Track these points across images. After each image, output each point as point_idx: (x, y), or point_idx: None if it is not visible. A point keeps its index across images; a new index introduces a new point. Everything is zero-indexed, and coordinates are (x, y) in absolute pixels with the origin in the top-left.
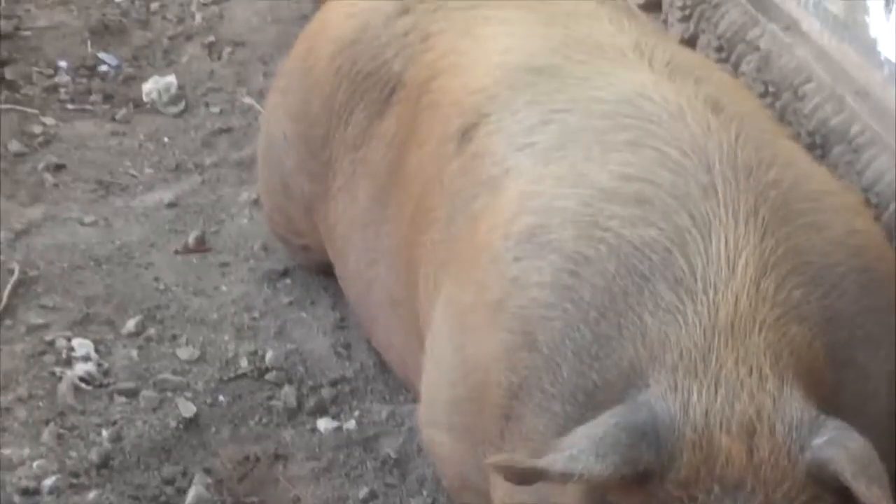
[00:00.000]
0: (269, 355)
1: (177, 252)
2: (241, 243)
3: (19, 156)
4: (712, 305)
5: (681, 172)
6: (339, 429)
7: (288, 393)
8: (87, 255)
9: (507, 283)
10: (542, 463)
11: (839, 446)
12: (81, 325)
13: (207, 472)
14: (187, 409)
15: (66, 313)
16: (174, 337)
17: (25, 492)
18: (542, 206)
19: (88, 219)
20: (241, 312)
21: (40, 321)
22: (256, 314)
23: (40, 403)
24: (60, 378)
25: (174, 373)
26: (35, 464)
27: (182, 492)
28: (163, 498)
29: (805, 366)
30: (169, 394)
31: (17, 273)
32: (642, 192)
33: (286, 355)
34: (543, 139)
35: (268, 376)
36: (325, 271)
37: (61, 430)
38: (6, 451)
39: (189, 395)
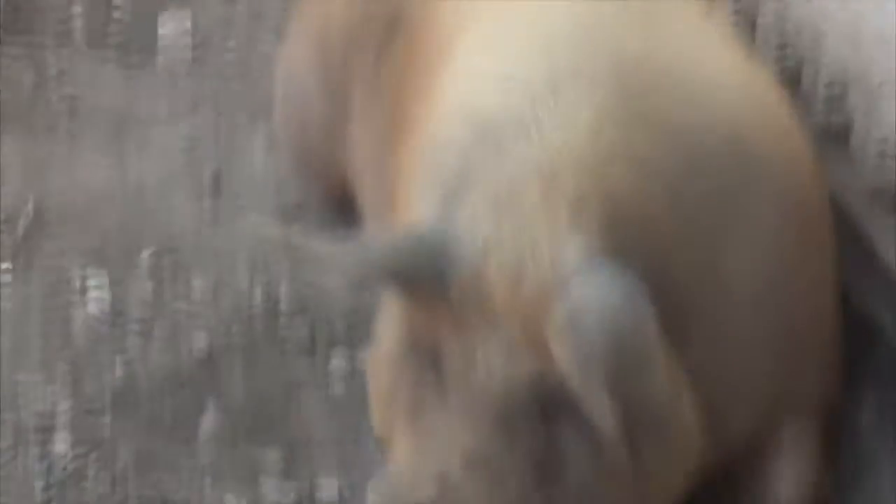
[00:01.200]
0: (283, 290)
1: (192, 188)
2: (257, 180)
3: (34, 91)
4: (542, 148)
5: (555, 59)
6: (352, 361)
7: (301, 326)
8: (102, 191)
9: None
10: (297, 245)
11: (579, 297)
12: (97, 259)
13: (221, 404)
14: (201, 342)
15: (81, 248)
16: (188, 271)
17: (40, 422)
18: (434, 113)
19: (104, 155)
20: (256, 247)
21: (55, 255)
22: (273, 249)
23: (56, 336)
24: (75, 311)
25: (188, 307)
26: (50, 396)
27: (195, 425)
28: (176, 431)
29: (630, 218)
30: (183, 327)
31: (31, 208)
32: (512, 74)
33: (300, 289)
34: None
35: (281, 310)
36: (338, 206)
37: (76, 363)
38: (21, 383)
39: (203, 328)
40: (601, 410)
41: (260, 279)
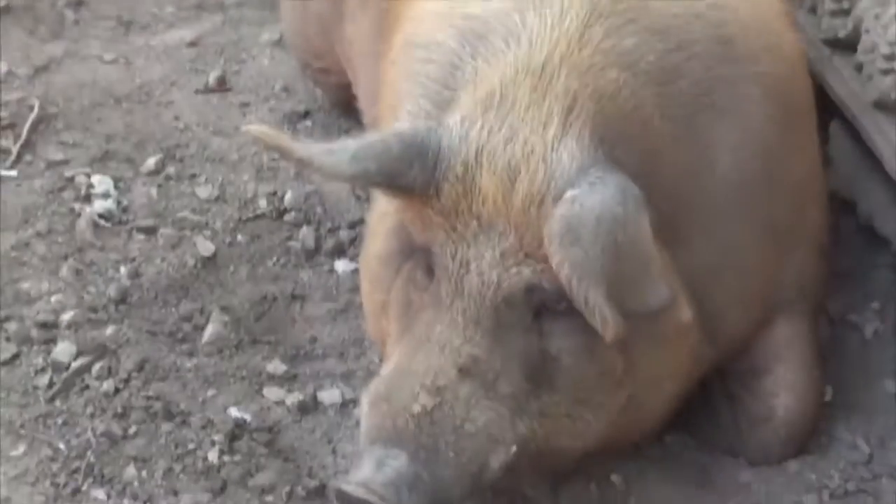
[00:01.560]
0: (288, 196)
1: (197, 91)
2: (262, 83)
3: None
4: (531, 49)
5: None
6: (356, 270)
7: (306, 234)
8: (107, 93)
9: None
10: (289, 143)
11: (574, 203)
12: (101, 161)
13: (225, 310)
14: (206, 247)
15: (85, 150)
16: (193, 176)
17: (44, 326)
18: (419, 14)
19: (109, 56)
20: (261, 153)
21: (60, 157)
22: (276, 155)
23: (59, 239)
24: (80, 214)
25: (193, 211)
26: (53, 298)
27: (199, 329)
28: (180, 335)
29: (621, 114)
30: (187, 232)
31: (37, 109)
32: None
33: (305, 196)
34: None
35: (286, 217)
36: (345, 110)
37: (80, 266)
38: (25, 286)
39: (208, 233)
40: (599, 317)
41: (265, 187)
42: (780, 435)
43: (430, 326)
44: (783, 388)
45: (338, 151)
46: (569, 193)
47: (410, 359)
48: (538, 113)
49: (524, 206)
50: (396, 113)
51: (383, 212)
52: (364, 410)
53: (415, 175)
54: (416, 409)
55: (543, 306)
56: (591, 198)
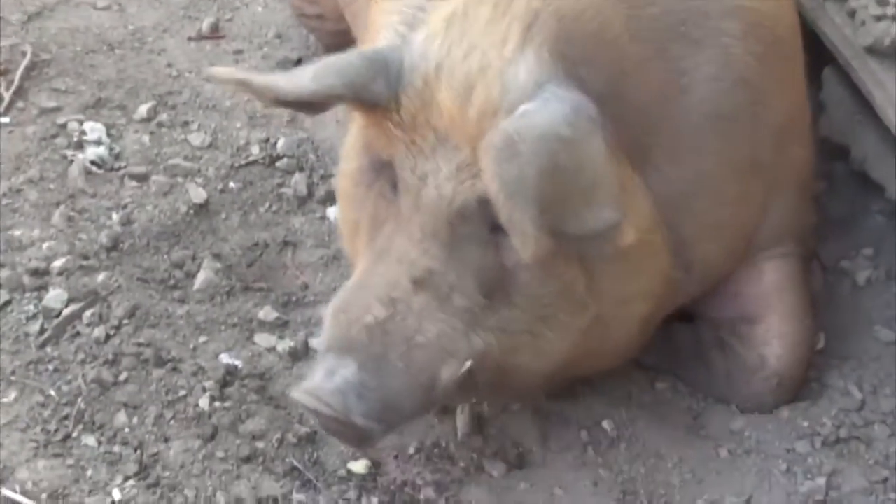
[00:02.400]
0: (280, 143)
1: (190, 38)
2: (256, 31)
3: None
4: None
5: None
6: None
7: (298, 181)
8: (99, 39)
9: None
10: (246, 75)
11: (524, 117)
12: (93, 108)
13: (216, 257)
14: (198, 194)
15: (78, 97)
16: (186, 123)
17: (35, 272)
18: None
19: (102, 3)
20: (254, 100)
21: (52, 104)
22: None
23: (51, 185)
24: (72, 161)
25: (185, 158)
26: (45, 245)
27: (191, 276)
28: (171, 281)
29: (585, 34)
30: (180, 179)
31: (29, 55)
32: None
33: (298, 143)
34: None
35: (279, 164)
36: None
37: (71, 213)
38: (17, 233)
39: (200, 180)
40: (520, 235)
41: (258, 134)
42: (772, 384)
43: (391, 239)
44: (775, 336)
45: (298, 73)
46: (521, 108)
47: (370, 272)
48: (497, 29)
49: (478, 119)
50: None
51: (355, 132)
52: (325, 322)
53: (378, 89)
54: (369, 319)
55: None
56: (540, 114)
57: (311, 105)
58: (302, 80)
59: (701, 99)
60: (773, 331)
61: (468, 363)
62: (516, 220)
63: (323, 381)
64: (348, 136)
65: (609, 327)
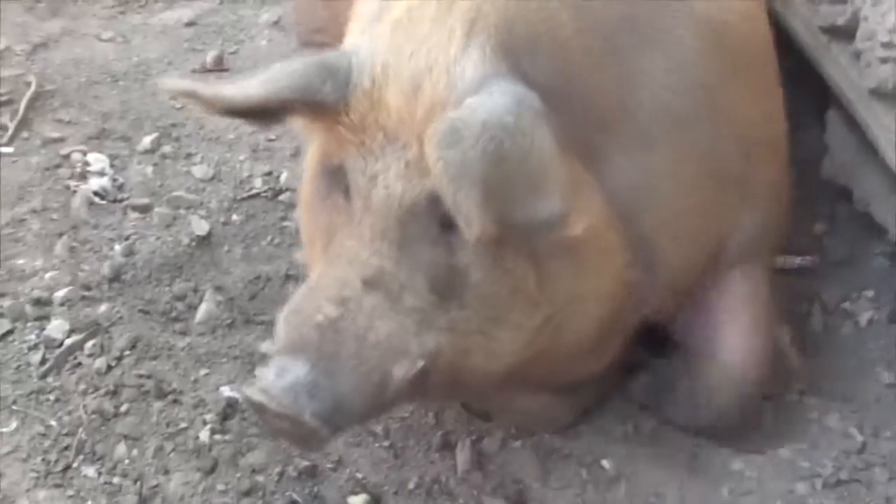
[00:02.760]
0: (283, 176)
1: (194, 71)
2: (260, 63)
3: None
4: None
5: None
6: None
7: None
8: (104, 71)
9: None
10: (193, 86)
11: (467, 108)
12: (97, 139)
13: (218, 289)
14: (200, 226)
15: (82, 128)
16: (189, 155)
17: (37, 302)
18: None
19: (106, 35)
20: (257, 133)
21: (56, 135)
22: (272, 135)
23: (54, 216)
24: (75, 192)
25: (188, 190)
26: (48, 275)
27: (192, 308)
28: (173, 313)
29: (529, 30)
30: (182, 211)
31: (34, 86)
32: None
33: (301, 177)
34: None
35: (281, 197)
36: None
37: (74, 243)
38: (19, 262)
39: (202, 212)
40: (465, 216)
41: (261, 166)
42: (733, 400)
43: (342, 243)
44: (738, 349)
45: (246, 81)
46: (466, 101)
47: (322, 275)
48: (442, 27)
49: (426, 116)
50: None
51: (312, 152)
52: (277, 325)
53: (327, 92)
54: (320, 318)
55: (449, 219)
56: (483, 105)
57: (263, 115)
58: (250, 87)
59: (652, 95)
60: (737, 343)
61: (420, 363)
62: (460, 202)
63: (274, 380)
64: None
65: (562, 328)
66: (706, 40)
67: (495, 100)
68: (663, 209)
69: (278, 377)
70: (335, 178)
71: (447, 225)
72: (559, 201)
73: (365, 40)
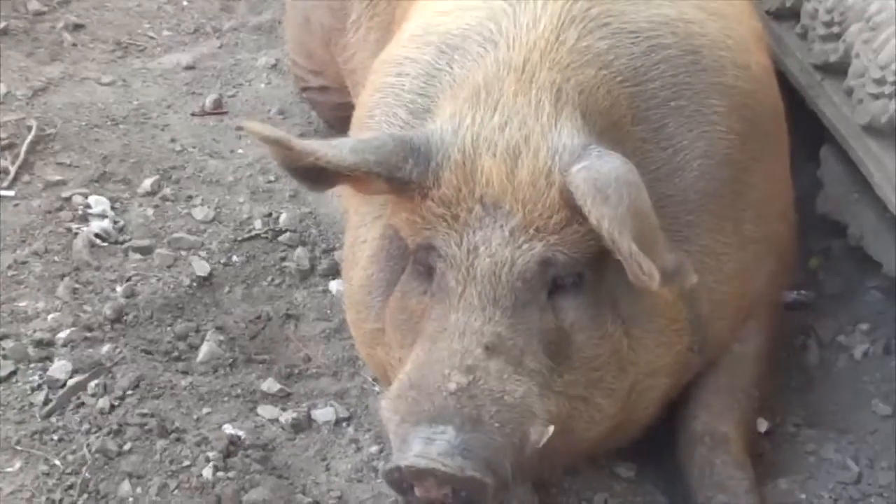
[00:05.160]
0: (283, 217)
1: (194, 114)
2: (258, 107)
3: (38, 14)
4: (510, 50)
5: None
6: None
7: (301, 255)
8: (104, 115)
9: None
10: (288, 137)
11: (591, 169)
12: (98, 182)
13: (220, 329)
14: (201, 267)
15: (82, 171)
16: (189, 197)
17: (40, 344)
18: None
19: (106, 78)
20: (257, 175)
21: (57, 178)
22: (272, 177)
23: (56, 258)
24: (76, 234)
25: (189, 232)
26: (50, 317)
27: (194, 348)
28: (175, 353)
29: (599, 110)
30: (183, 252)
31: (34, 130)
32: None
33: (300, 218)
34: None
35: (281, 238)
36: (340, 132)
37: (76, 285)
38: (22, 304)
39: (203, 254)
40: (645, 267)
41: (260, 208)
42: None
43: (443, 319)
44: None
45: (337, 144)
46: (578, 165)
47: (429, 352)
48: (528, 100)
49: (531, 181)
50: (362, 124)
51: (362, 239)
52: (388, 407)
53: (410, 168)
54: (452, 386)
55: (554, 282)
56: (606, 165)
57: (322, 180)
58: (342, 151)
59: (695, 176)
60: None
61: (550, 427)
62: (633, 252)
63: (426, 448)
64: (349, 246)
65: (638, 399)
66: (733, 117)
67: (612, 161)
68: (713, 287)
69: (429, 445)
70: (412, 261)
71: (554, 288)
72: (673, 254)
73: (438, 116)
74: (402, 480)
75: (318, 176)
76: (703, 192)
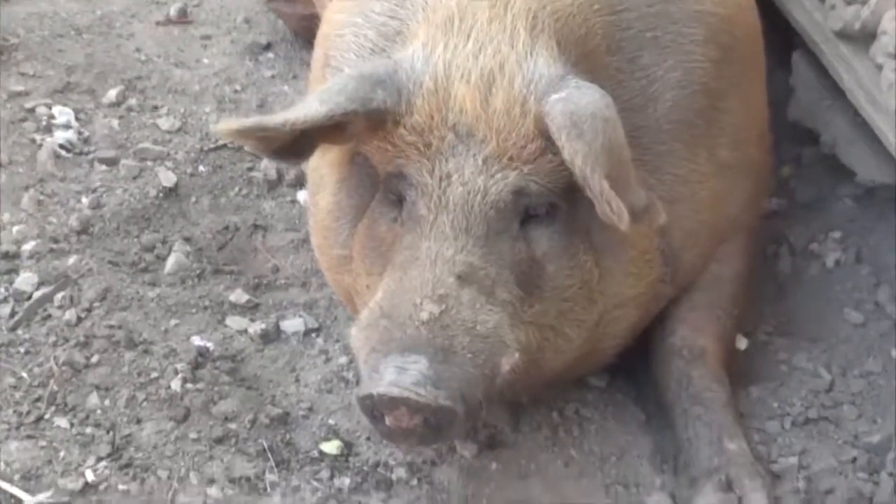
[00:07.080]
0: None
1: (158, 23)
2: (224, 16)
3: None
4: None
5: None
6: None
7: (268, 165)
8: (68, 24)
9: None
10: (258, 121)
11: (569, 102)
12: (62, 93)
13: (187, 240)
14: (167, 178)
15: (46, 81)
16: (155, 107)
17: (5, 256)
18: None
19: None
20: (223, 85)
21: (21, 88)
22: (238, 87)
23: (20, 169)
24: (41, 145)
25: (154, 142)
26: (15, 229)
27: (161, 259)
28: (142, 264)
29: (574, 39)
30: (149, 163)
31: None
32: None
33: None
34: None
35: (248, 148)
36: (307, 41)
37: (41, 196)
38: None
39: (169, 164)
40: (615, 206)
41: (227, 118)
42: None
43: (414, 247)
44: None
45: (303, 105)
46: (556, 95)
47: (400, 281)
48: (502, 27)
49: (506, 110)
50: (330, 42)
51: (329, 162)
52: (359, 336)
53: (383, 97)
54: (424, 316)
55: (527, 212)
56: (583, 98)
57: (303, 149)
58: (311, 107)
59: (668, 106)
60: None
61: (516, 356)
62: (597, 179)
63: (399, 377)
64: (315, 169)
65: (607, 329)
66: (707, 42)
67: (590, 94)
68: (685, 216)
69: (402, 374)
70: (382, 188)
71: (526, 218)
72: (643, 191)
73: (410, 43)
74: (374, 408)
75: (296, 147)
76: (677, 121)
